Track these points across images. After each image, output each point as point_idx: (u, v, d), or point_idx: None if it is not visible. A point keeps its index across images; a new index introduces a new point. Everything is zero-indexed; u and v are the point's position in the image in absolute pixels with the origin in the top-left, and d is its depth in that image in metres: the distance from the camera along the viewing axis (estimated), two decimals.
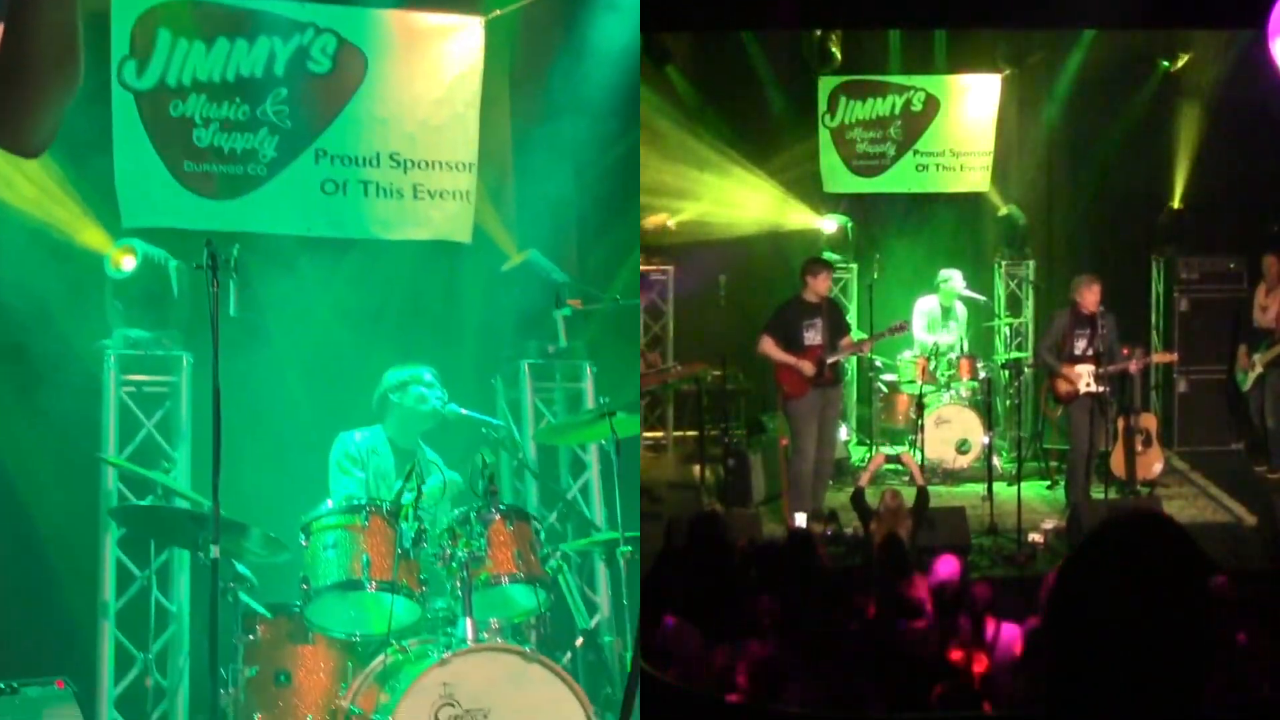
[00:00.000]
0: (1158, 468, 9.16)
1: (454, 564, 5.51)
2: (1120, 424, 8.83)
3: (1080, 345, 8.63)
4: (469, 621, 5.41)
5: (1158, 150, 10.62)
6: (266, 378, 6.58)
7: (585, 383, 7.66)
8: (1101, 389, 8.53)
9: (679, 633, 5.40)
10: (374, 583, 5.48)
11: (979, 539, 8.19)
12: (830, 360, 8.47)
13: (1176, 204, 10.65)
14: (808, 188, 10.70)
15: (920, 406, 9.34)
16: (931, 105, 10.72)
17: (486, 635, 5.56)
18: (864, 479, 7.87)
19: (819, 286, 8.51)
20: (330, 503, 5.74)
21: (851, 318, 10.10)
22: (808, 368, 8.37)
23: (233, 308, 5.19)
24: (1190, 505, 9.01)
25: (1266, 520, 8.16)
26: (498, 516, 5.67)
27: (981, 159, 10.76)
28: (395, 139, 7.46)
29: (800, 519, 8.18)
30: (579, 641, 6.06)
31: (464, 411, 6.27)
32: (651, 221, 10.07)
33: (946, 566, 6.28)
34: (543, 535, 5.97)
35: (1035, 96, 10.88)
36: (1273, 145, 10.25)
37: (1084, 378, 8.51)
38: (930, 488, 8.24)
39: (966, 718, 4.98)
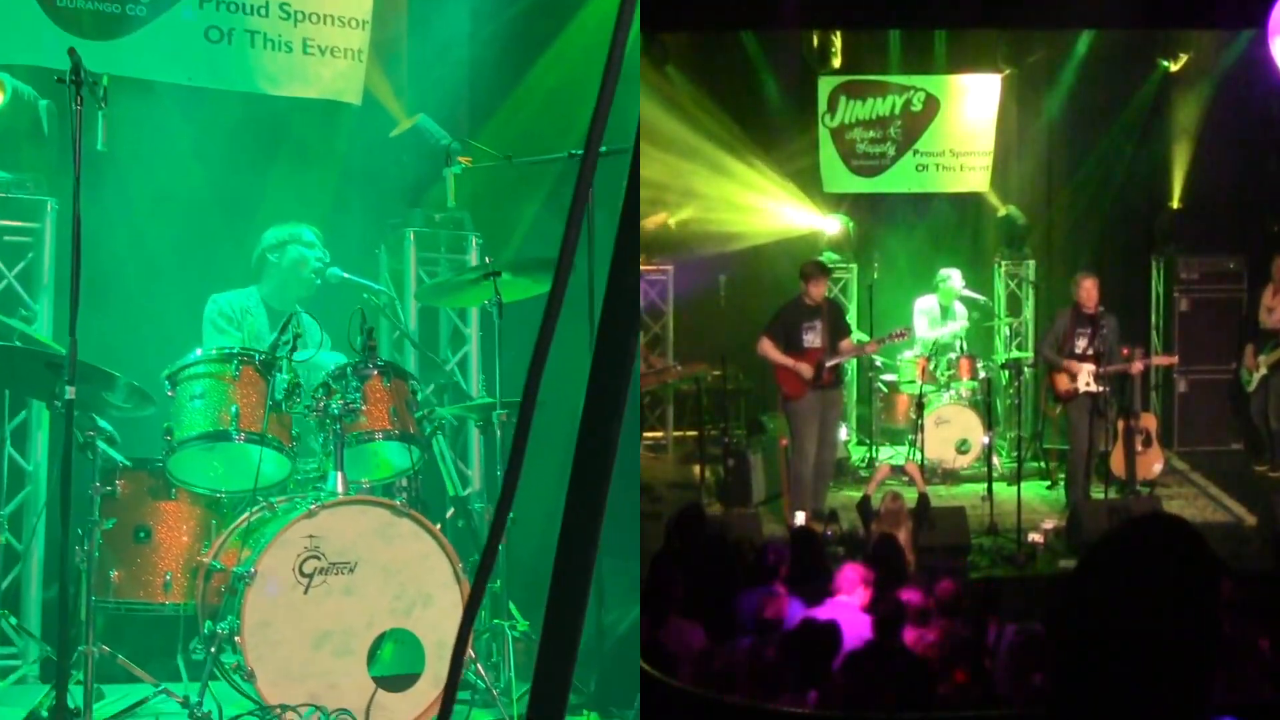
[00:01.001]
0: (1158, 468, 9.15)
1: (327, 418, 5.28)
2: (1120, 424, 8.81)
3: (1080, 344, 8.62)
4: (339, 476, 5.21)
5: (1158, 150, 10.62)
6: (136, 227, 6.33)
7: (470, 254, 7.36)
8: (1100, 389, 8.53)
9: (679, 632, 5.40)
10: (242, 434, 5.21)
11: (979, 539, 8.18)
12: (829, 364, 8.46)
13: (1176, 204, 10.65)
14: (808, 188, 10.69)
15: (920, 406, 9.33)
16: (931, 105, 10.72)
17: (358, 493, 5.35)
18: (870, 488, 7.92)
19: (812, 291, 8.49)
20: (199, 351, 5.44)
21: (851, 318, 10.09)
22: (805, 370, 8.36)
23: (100, 141, 4.91)
24: (1190, 505, 8.99)
25: (1266, 520, 8.15)
26: (375, 372, 5.44)
27: (981, 159, 10.76)
28: None
29: (800, 519, 8.18)
30: (450, 513, 5.93)
31: (345, 275, 6.07)
32: (651, 221, 10.07)
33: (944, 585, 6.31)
34: (420, 396, 5.73)
35: (1035, 96, 10.88)
36: (1273, 145, 10.27)
37: (1083, 374, 8.51)
38: (930, 487, 8.26)
39: (967, 718, 4.98)
